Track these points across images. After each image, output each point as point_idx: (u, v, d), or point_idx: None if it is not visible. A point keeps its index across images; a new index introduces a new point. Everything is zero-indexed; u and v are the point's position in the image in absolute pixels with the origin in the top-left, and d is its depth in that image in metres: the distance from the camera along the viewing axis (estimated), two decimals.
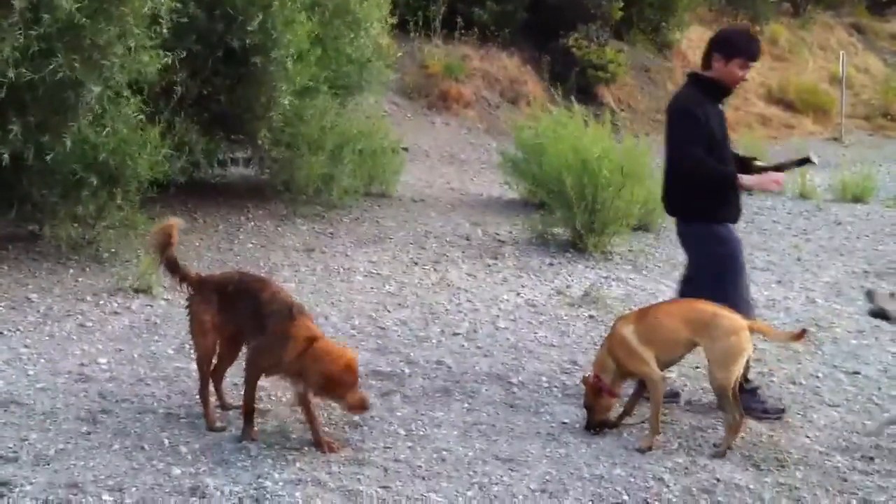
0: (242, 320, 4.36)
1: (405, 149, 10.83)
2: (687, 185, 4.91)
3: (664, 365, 4.56)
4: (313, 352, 4.11)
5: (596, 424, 4.61)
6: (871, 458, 4.48)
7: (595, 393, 4.58)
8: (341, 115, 9.19)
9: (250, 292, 4.35)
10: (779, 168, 5.11)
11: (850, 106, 18.82)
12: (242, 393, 4.36)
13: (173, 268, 4.50)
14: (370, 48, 9.50)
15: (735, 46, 4.88)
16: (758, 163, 5.15)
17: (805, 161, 5.32)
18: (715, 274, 4.89)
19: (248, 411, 4.32)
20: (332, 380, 4.06)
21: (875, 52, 22.63)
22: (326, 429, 4.40)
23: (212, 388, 4.57)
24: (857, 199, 11.44)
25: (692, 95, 4.94)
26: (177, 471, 3.98)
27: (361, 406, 4.15)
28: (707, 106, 4.89)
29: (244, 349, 4.49)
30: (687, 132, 4.82)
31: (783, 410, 4.97)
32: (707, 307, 4.62)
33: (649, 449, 4.41)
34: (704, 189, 4.84)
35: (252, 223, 8.30)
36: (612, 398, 4.60)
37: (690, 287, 5.05)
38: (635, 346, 4.47)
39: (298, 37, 8.17)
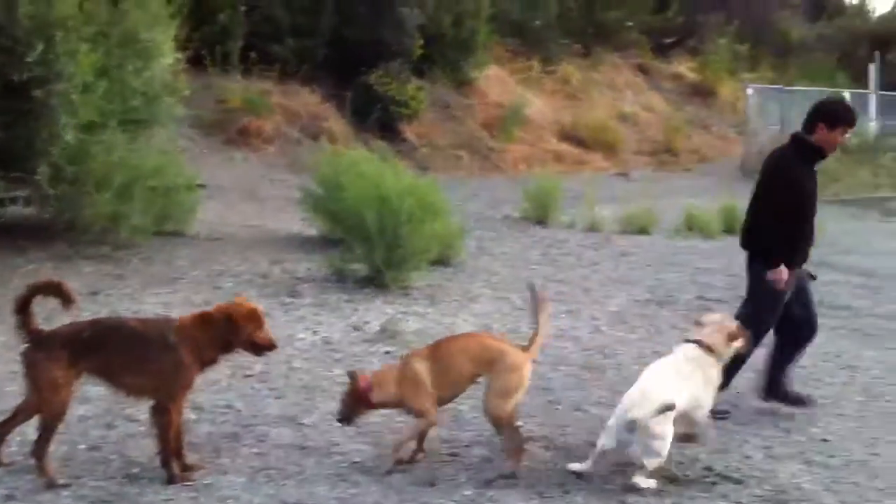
0: (108, 360, 4.29)
1: (202, 185, 10.55)
2: (767, 229, 5.59)
3: (447, 401, 4.62)
4: (211, 316, 4.39)
5: (345, 418, 4.67)
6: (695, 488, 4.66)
7: (357, 396, 4.60)
8: (132, 150, 8.84)
9: (115, 328, 4.40)
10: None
11: (636, 142, 19.99)
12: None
13: (23, 310, 4.22)
14: (161, 81, 9.22)
15: (839, 116, 5.62)
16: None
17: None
18: (759, 307, 5.62)
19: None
20: (239, 320, 4.34)
21: (659, 91, 24.16)
22: (101, 483, 4.17)
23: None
24: (641, 231, 12.12)
25: (792, 156, 5.65)
26: None
27: (271, 342, 4.48)
28: (803, 166, 5.59)
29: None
30: (780, 188, 5.56)
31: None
32: (494, 343, 4.73)
33: (399, 463, 4.53)
34: (781, 237, 5.54)
35: (30, 266, 7.80)
36: (370, 408, 4.68)
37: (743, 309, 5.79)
38: (425, 385, 4.52)
39: (83, 68, 7.86)
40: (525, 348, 4.68)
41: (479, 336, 4.99)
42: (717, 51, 25.31)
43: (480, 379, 4.67)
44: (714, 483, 4.70)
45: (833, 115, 5.62)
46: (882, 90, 23.61)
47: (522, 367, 4.55)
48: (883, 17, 34.58)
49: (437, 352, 4.67)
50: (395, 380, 4.60)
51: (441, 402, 4.57)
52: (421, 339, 6.88)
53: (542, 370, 6.22)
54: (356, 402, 4.61)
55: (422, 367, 4.55)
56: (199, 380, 4.49)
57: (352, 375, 4.66)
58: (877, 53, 24.05)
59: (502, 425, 4.51)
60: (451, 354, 4.63)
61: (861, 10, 35.54)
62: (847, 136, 5.73)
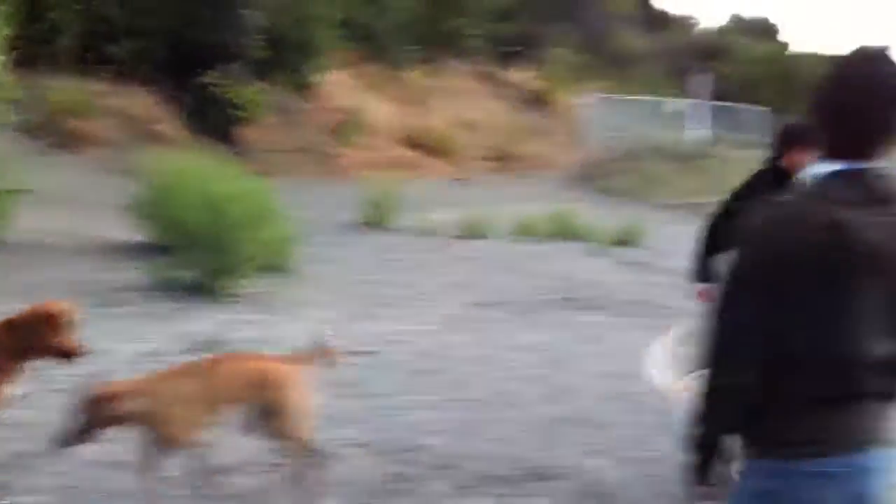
0: None
1: (24, 191, 10.03)
2: None
3: (206, 427, 4.19)
4: (13, 322, 4.10)
5: (79, 437, 4.02)
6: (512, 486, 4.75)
7: (105, 402, 3.91)
8: None
9: None
10: None
11: (477, 149, 20.36)
12: None
13: None
14: None
15: (806, 137, 5.56)
16: None
17: None
18: None
19: None
20: (44, 323, 4.07)
21: (500, 98, 24.70)
22: None
23: None
24: (478, 236, 12.35)
25: (768, 180, 5.53)
26: None
27: (78, 348, 4.11)
28: (778, 191, 5.57)
29: None
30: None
31: None
32: (264, 365, 4.31)
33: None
34: None
35: None
36: (112, 424, 3.99)
37: None
38: (186, 405, 4.02)
39: None
40: (294, 359, 4.33)
41: (250, 356, 4.64)
42: (556, 61, 26.07)
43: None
44: (529, 479, 4.84)
45: (801, 137, 5.89)
46: (712, 100, 25.04)
47: (295, 382, 4.14)
48: (709, 31, 36.66)
49: (213, 371, 4.19)
50: (150, 393, 4.00)
51: (202, 425, 4.14)
52: (251, 347, 6.78)
53: (371, 375, 6.26)
54: (99, 413, 3.92)
55: (190, 386, 4.05)
56: (8, 393, 4.26)
57: (92, 384, 4.00)
58: (700, 65, 25.46)
59: (302, 447, 4.18)
60: (223, 375, 4.16)
61: (685, 23, 37.59)
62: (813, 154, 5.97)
